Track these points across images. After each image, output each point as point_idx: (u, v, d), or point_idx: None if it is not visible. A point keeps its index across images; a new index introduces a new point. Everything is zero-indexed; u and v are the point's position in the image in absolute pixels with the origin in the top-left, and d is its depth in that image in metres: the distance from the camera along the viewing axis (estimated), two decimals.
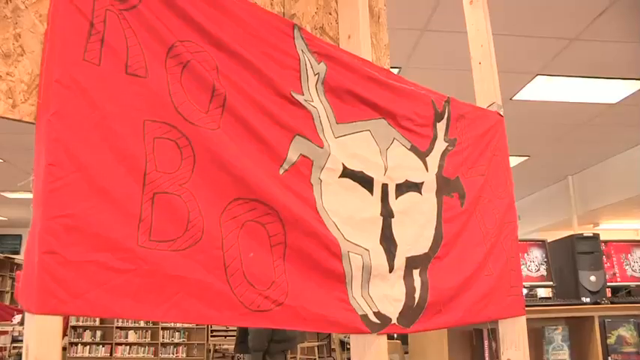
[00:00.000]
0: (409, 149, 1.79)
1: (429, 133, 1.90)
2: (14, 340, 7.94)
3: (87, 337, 11.76)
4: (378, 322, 1.53)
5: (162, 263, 1.12)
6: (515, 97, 5.84)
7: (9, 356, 7.64)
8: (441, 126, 1.95)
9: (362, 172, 1.59)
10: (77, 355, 11.50)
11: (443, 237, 1.83)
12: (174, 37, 1.26)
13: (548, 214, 9.69)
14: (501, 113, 2.36)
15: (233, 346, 11.56)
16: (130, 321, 11.83)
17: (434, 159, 1.89)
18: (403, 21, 4.30)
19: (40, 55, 1.18)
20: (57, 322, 1.02)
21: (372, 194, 1.62)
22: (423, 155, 1.84)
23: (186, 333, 11.87)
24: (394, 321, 1.58)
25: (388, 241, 1.62)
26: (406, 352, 4.28)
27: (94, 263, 1.04)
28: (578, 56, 4.98)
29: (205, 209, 1.22)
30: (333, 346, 11.29)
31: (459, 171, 2.00)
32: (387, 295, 1.58)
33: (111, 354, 11.66)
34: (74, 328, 11.58)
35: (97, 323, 11.79)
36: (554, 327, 3.43)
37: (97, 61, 1.13)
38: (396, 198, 1.69)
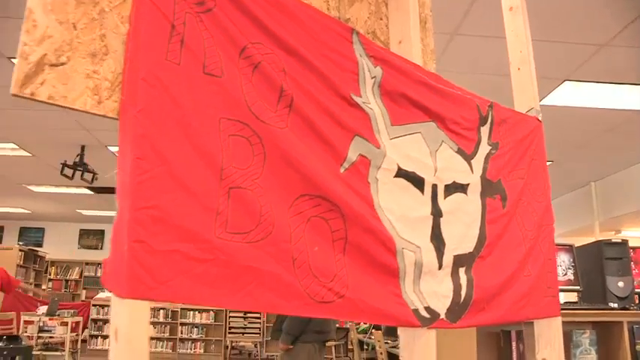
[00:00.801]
0: (456, 152, 1.86)
1: (474, 137, 1.95)
2: (40, 329, 8.08)
3: (107, 330, 11.92)
4: (428, 316, 1.60)
5: (236, 254, 1.19)
6: (542, 103, 5.84)
7: (35, 345, 7.78)
8: (484, 130, 2.01)
9: (414, 172, 1.65)
10: (97, 348, 11.66)
11: (486, 237, 1.89)
12: (246, 39, 1.33)
13: (569, 220, 9.67)
14: (540, 119, 2.41)
15: (250, 343, 11.61)
16: (149, 316, 11.98)
17: (478, 162, 1.95)
18: (434, 24, 4.35)
19: (122, 54, 1.25)
20: (146, 306, 1.09)
21: (422, 194, 1.68)
22: (468, 158, 1.90)
23: (204, 329, 11.98)
24: (442, 316, 1.65)
25: (437, 239, 1.69)
26: None
27: (177, 253, 1.11)
28: (607, 62, 5.00)
29: (275, 204, 1.28)
30: (350, 346, 11.36)
31: (500, 174, 2.06)
32: (436, 292, 1.64)
33: None
34: (94, 321, 11.74)
35: None
36: (582, 331, 3.46)
37: (178, 61, 1.20)
38: (445, 198, 1.76)
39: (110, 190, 10.68)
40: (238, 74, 1.29)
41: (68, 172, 8.07)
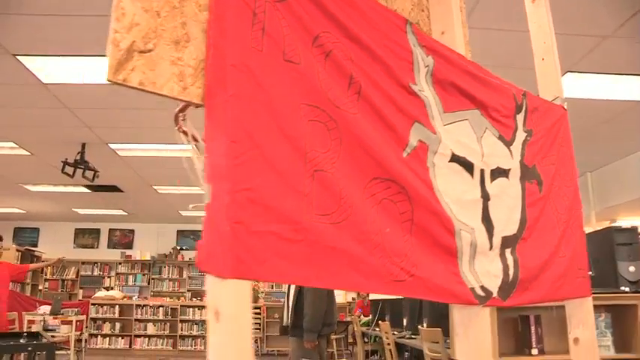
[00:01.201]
0: (498, 138, 1.93)
1: (511, 124, 2.03)
2: (44, 328, 8.08)
3: (106, 328, 11.95)
4: (483, 294, 1.67)
5: (323, 235, 1.25)
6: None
7: None
8: (520, 117, 2.09)
9: (465, 157, 1.72)
10: (97, 347, 11.67)
11: (527, 220, 1.97)
12: (318, 28, 1.38)
13: None
14: (565, 107, 2.49)
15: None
16: (148, 313, 12.01)
17: (516, 148, 2.02)
18: None
19: (202, 41, 1.29)
20: (247, 286, 1.14)
21: (472, 178, 1.75)
22: (508, 144, 1.98)
23: (205, 325, 12.00)
24: (495, 294, 1.72)
25: (487, 221, 1.76)
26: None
27: (272, 234, 1.16)
28: (610, 54, 5.10)
29: (351, 187, 1.35)
30: (350, 340, 11.46)
31: (535, 159, 2.13)
32: (489, 271, 1.72)
33: (130, 346, 11.84)
34: (94, 320, 11.75)
35: (117, 315, 11.96)
36: (597, 314, 3.56)
37: (261, 48, 1.26)
38: (491, 182, 1.83)
39: (108, 189, 10.71)
40: (313, 62, 1.35)
41: (69, 170, 8.07)
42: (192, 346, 11.96)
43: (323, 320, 4.39)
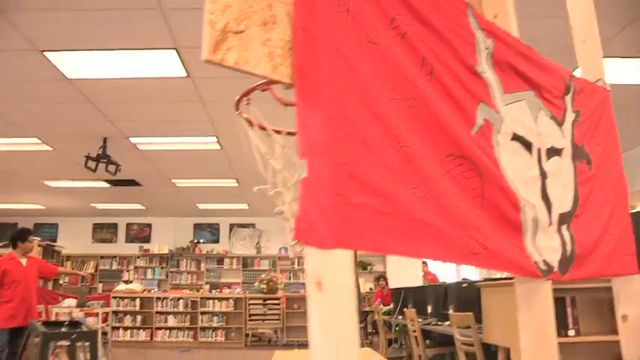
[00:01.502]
0: (550, 118, 1.98)
1: (561, 105, 2.07)
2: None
3: (127, 321, 12.05)
4: (545, 268, 1.73)
5: (410, 208, 1.31)
6: None
7: None
8: (568, 98, 2.13)
9: (524, 136, 1.78)
10: (118, 339, 11.75)
11: (579, 198, 2.02)
12: (393, 10, 1.44)
13: None
14: (608, 89, 2.53)
15: (269, 330, 11.73)
16: (169, 306, 12.12)
17: (567, 128, 2.07)
18: None
19: (287, 23, 1.34)
20: (349, 255, 1.20)
21: (531, 156, 1.81)
22: (559, 124, 2.03)
23: (225, 317, 12.12)
24: (556, 269, 1.78)
25: (545, 198, 1.82)
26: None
27: (368, 206, 1.22)
28: (635, 38, 5.11)
29: (430, 163, 1.41)
30: (369, 330, 11.53)
31: (583, 139, 2.18)
32: (549, 246, 1.77)
33: (151, 338, 11.94)
34: (115, 312, 11.84)
35: (138, 308, 12.07)
36: None
37: (347, 29, 1.31)
38: (547, 161, 1.88)
39: (127, 183, 10.80)
40: (391, 43, 1.40)
41: (91, 164, 8.16)
42: (212, 337, 12.05)
43: None
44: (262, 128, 1.92)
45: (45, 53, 5.34)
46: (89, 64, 5.66)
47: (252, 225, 15.34)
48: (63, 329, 3.74)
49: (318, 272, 1.17)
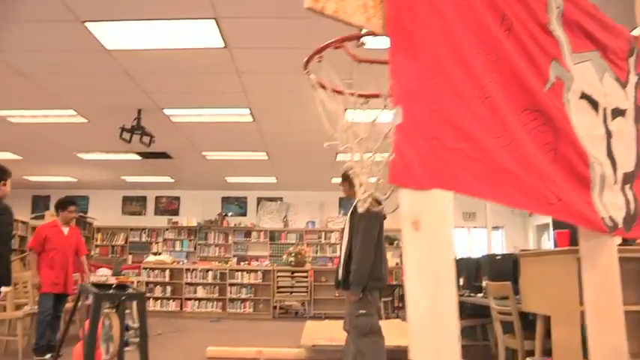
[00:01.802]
0: (615, 79, 1.99)
1: (625, 67, 2.08)
2: None
3: (158, 292, 12.27)
4: (611, 224, 1.76)
5: (495, 156, 1.36)
6: None
7: None
8: (632, 61, 2.13)
9: (591, 95, 1.80)
10: (149, 309, 11.98)
11: None
12: None
13: None
14: None
15: (297, 302, 11.88)
16: (198, 277, 12.31)
17: (630, 90, 2.08)
18: None
19: None
20: (447, 196, 1.24)
21: (597, 115, 1.83)
22: (623, 85, 2.04)
23: (253, 289, 12.28)
24: (620, 225, 1.80)
25: (611, 157, 1.84)
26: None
27: (461, 151, 1.27)
28: None
29: (509, 115, 1.44)
30: (396, 304, 11.62)
31: None
32: (614, 203, 1.80)
33: (181, 308, 12.16)
34: (145, 283, 12.07)
35: (167, 279, 12.28)
36: None
37: None
38: (612, 121, 1.90)
39: (158, 156, 10.93)
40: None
41: (126, 136, 8.27)
42: (240, 308, 12.24)
43: (370, 274, 4.51)
44: (336, 91, 1.95)
45: (86, 24, 5.41)
46: (128, 35, 5.72)
47: (280, 199, 15.45)
48: (111, 292, 3.84)
49: (415, 213, 1.21)
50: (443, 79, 1.27)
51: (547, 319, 4.07)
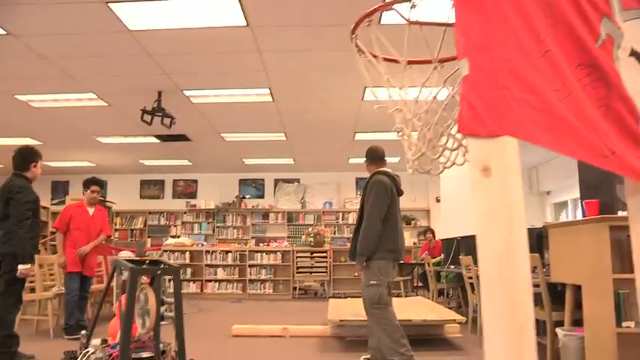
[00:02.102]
0: None
1: None
2: None
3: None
4: None
5: (556, 107, 1.38)
6: None
7: None
8: None
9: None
10: (170, 291, 12.12)
11: None
12: None
13: None
14: None
15: (316, 283, 11.96)
16: (218, 259, 12.42)
17: None
18: None
19: None
20: (515, 143, 1.27)
21: None
22: None
23: (273, 270, 12.37)
24: None
25: None
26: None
27: (526, 101, 1.30)
28: None
29: (566, 69, 1.46)
30: (415, 284, 11.68)
31: None
32: None
33: (201, 290, 12.28)
34: None
35: (188, 261, 12.39)
36: None
37: None
38: None
39: (176, 138, 10.99)
40: None
41: (147, 118, 8.32)
42: (261, 289, 12.35)
43: (377, 247, 4.60)
44: (389, 59, 1.97)
45: (109, 4, 5.44)
46: (151, 15, 5.73)
47: (297, 180, 15.51)
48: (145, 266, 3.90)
49: (485, 159, 1.25)
50: (507, 31, 1.30)
51: (576, 290, 4.09)
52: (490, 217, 1.22)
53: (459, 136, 1.76)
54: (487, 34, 1.27)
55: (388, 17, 2.21)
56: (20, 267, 4.81)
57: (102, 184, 7.36)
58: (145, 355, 3.76)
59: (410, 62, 1.85)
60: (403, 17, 1.69)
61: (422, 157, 1.76)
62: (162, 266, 3.94)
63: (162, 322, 3.89)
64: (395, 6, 1.92)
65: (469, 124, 1.27)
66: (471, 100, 1.27)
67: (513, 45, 1.31)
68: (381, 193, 4.69)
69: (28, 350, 4.97)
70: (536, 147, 1.41)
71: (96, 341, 3.98)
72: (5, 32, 5.99)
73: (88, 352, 3.93)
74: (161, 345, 3.84)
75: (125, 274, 4.02)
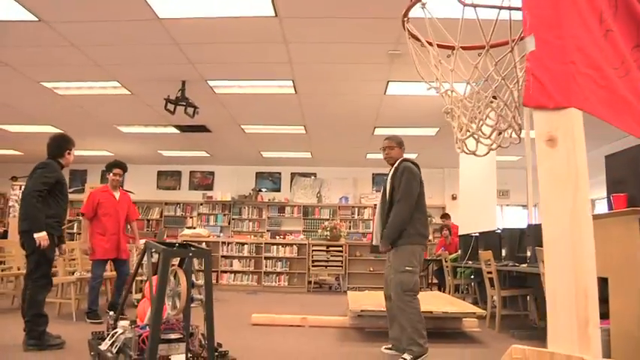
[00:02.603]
0: None
1: None
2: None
3: (195, 264, 12.46)
4: None
5: (616, 85, 1.43)
6: None
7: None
8: None
9: None
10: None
11: None
12: None
13: None
14: None
15: (330, 277, 11.99)
16: (234, 251, 12.49)
17: None
18: None
19: None
20: (580, 115, 1.32)
21: None
22: None
23: (288, 262, 12.42)
24: None
25: None
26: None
27: (590, 77, 1.35)
28: None
29: (624, 49, 1.50)
30: (429, 280, 11.70)
31: None
32: None
33: (217, 281, 12.34)
34: None
35: None
36: None
37: None
38: None
39: (196, 129, 11.06)
40: None
41: (170, 107, 8.39)
42: (276, 282, 12.40)
43: (417, 230, 4.67)
44: (440, 45, 2.01)
45: None
46: (181, 3, 5.79)
47: (314, 174, 15.57)
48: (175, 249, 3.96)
49: (550, 130, 1.30)
50: (574, 9, 1.35)
51: (602, 283, 4.10)
52: (556, 184, 1.27)
53: (508, 116, 1.80)
54: (555, 11, 1.32)
55: (430, 5, 2.25)
56: (35, 236, 4.82)
57: (125, 167, 7.33)
58: (173, 336, 3.82)
59: (464, 48, 1.90)
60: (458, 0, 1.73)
61: (470, 137, 1.81)
62: (195, 249, 4.00)
63: (191, 305, 3.94)
64: None
65: (536, 96, 1.32)
66: (537, 74, 1.33)
67: (579, 23, 1.35)
68: (413, 180, 4.72)
69: (53, 331, 5.05)
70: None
71: (124, 322, 4.05)
72: (37, 19, 6.07)
73: (117, 332, 3.99)
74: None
75: (155, 257, 4.09)
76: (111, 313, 4.38)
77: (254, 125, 11.05)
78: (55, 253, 5.24)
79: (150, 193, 15.68)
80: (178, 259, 4.10)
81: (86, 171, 15.85)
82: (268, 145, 12.94)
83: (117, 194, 7.17)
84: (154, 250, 3.99)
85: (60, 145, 5.27)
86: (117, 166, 7.26)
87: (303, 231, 14.78)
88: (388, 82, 8.11)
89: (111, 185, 7.21)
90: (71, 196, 14.10)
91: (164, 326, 3.77)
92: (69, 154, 5.28)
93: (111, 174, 7.19)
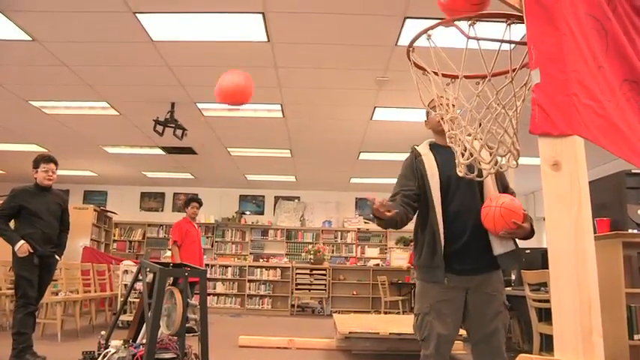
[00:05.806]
0: None
1: None
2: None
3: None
4: None
5: (611, 115, 1.57)
6: None
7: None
8: None
9: None
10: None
11: None
12: None
13: None
14: None
15: (313, 300, 12.00)
16: (217, 273, 12.49)
17: None
18: None
19: None
20: (581, 142, 1.44)
21: None
22: None
23: (272, 285, 12.45)
24: None
25: None
26: None
27: (590, 107, 1.49)
28: None
29: (611, 84, 1.63)
30: (413, 304, 11.77)
31: None
32: None
33: None
34: None
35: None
36: None
37: None
38: None
39: (183, 151, 11.11)
40: None
41: (159, 128, 8.44)
42: (259, 304, 12.42)
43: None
44: (446, 75, 2.13)
45: (137, 15, 5.59)
46: (175, 26, 5.89)
47: (297, 198, 15.65)
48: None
49: (555, 155, 1.43)
50: (574, 45, 1.49)
51: None
52: (560, 204, 1.40)
53: (507, 142, 1.91)
54: (558, 47, 1.46)
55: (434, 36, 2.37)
56: (15, 249, 5.06)
57: (201, 202, 8.23)
58: (167, 356, 3.85)
59: (466, 77, 2.02)
60: (462, 32, 1.84)
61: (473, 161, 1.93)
62: (188, 267, 4.05)
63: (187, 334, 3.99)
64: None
65: (541, 125, 1.46)
66: (542, 105, 1.47)
67: (579, 58, 1.49)
68: None
69: (39, 352, 5.06)
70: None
71: (116, 342, 4.07)
72: (31, 38, 6.14)
73: (109, 352, 4.01)
74: None
75: (150, 277, 4.13)
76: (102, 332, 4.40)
77: (240, 148, 11.13)
78: (36, 272, 5.26)
79: (133, 214, 15.62)
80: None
81: (68, 191, 15.74)
82: (254, 168, 13.01)
83: (195, 225, 8.03)
84: (148, 269, 4.03)
85: (33, 163, 5.46)
86: (194, 200, 8.08)
87: (286, 254, 14.80)
88: (375, 107, 8.26)
89: (190, 217, 7.98)
90: None
91: (158, 345, 3.80)
92: (36, 172, 5.41)
93: (189, 207, 8.00)
